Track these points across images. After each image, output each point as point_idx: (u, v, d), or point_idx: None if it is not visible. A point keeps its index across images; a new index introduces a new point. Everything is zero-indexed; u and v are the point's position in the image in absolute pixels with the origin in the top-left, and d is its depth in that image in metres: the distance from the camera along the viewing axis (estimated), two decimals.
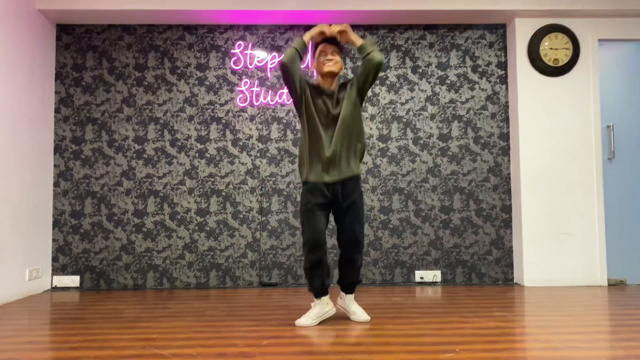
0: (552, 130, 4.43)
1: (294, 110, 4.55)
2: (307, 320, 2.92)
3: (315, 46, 3.05)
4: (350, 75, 4.57)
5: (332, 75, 2.99)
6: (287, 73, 2.91)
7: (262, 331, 2.78)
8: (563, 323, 2.95)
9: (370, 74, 2.94)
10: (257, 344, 2.50)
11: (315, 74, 3.13)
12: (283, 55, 2.96)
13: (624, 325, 2.86)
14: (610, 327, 2.86)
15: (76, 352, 2.38)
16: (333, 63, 2.97)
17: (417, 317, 3.13)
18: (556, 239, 4.37)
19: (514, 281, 4.51)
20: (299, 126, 4.55)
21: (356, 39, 2.98)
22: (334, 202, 2.95)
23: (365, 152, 4.39)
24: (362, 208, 3.00)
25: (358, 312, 3.02)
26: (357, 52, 3.00)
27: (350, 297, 3.08)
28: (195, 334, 2.74)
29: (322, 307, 2.96)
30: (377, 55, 2.90)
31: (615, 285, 4.35)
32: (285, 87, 3.21)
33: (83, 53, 4.54)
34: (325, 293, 2.98)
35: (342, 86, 3.04)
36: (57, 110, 4.51)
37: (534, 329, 2.82)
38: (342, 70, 3.05)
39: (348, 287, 3.07)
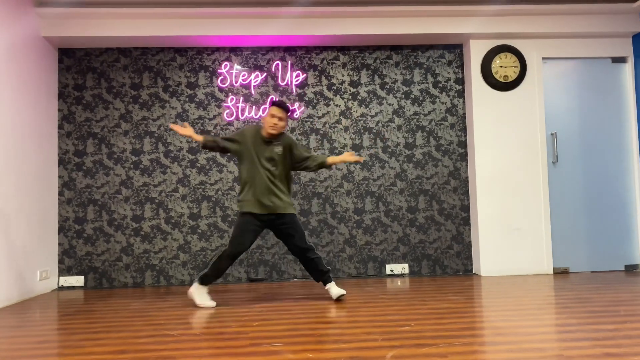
0: (503, 138, 5.05)
1: None
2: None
3: (272, 104, 3.82)
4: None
5: (272, 135, 3.80)
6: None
7: (251, 315, 3.31)
8: (504, 303, 3.53)
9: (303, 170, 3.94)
10: (248, 325, 3.03)
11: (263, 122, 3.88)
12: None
13: (550, 304, 3.46)
14: (543, 305, 3.45)
15: (100, 334, 2.89)
16: (277, 128, 3.77)
17: (384, 302, 3.69)
18: (508, 233, 4.98)
19: (473, 272, 5.11)
20: None
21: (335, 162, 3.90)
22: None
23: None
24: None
25: (334, 291, 3.78)
26: (315, 163, 3.87)
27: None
28: (196, 319, 3.26)
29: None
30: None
31: (559, 273, 4.98)
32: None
33: (83, 74, 5.02)
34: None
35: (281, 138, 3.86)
36: (60, 127, 4.97)
37: (479, 308, 3.40)
38: (283, 129, 3.85)
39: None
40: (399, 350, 2.39)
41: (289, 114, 3.90)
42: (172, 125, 3.82)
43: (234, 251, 3.69)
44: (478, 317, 3.14)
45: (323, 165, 3.88)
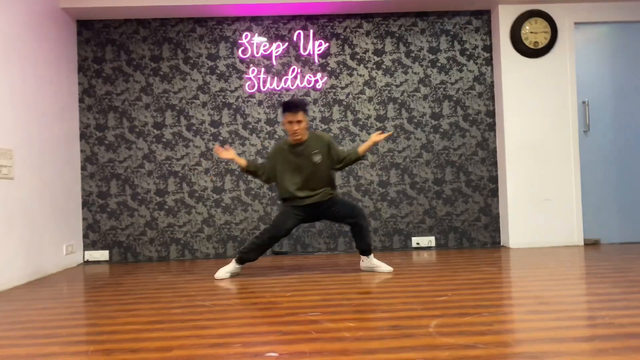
0: (533, 107, 4.89)
1: (299, 94, 4.98)
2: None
3: (282, 109, 3.68)
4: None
5: (299, 141, 3.67)
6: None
7: (284, 286, 3.27)
8: (540, 274, 3.45)
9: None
10: (281, 295, 2.98)
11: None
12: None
13: (588, 274, 3.37)
14: (582, 275, 3.36)
15: (132, 306, 2.86)
16: (299, 132, 3.61)
17: (414, 273, 3.62)
18: (537, 205, 4.86)
19: (501, 244, 5.02)
20: None
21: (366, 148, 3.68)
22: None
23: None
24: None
25: (382, 265, 3.71)
26: (350, 160, 3.69)
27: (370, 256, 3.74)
28: (225, 291, 3.22)
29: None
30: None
31: (590, 245, 4.87)
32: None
33: (102, 47, 4.93)
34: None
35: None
36: (81, 100, 4.91)
37: (515, 279, 3.32)
38: (306, 129, 3.70)
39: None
40: (442, 320, 2.33)
41: (305, 109, 3.65)
42: (215, 149, 3.76)
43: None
44: (515, 287, 3.06)
45: (358, 159, 3.70)
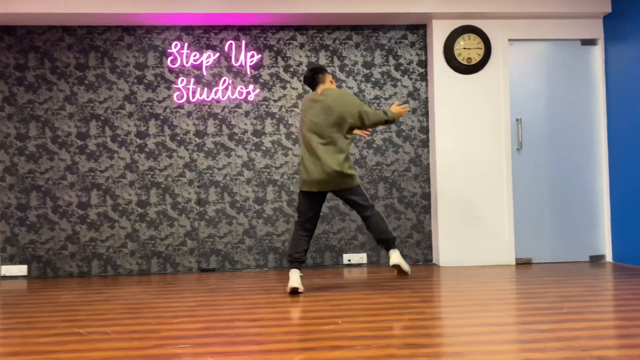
0: (466, 123, 4.83)
1: (230, 106, 4.86)
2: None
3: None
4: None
5: None
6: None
7: (178, 310, 3.13)
8: (449, 298, 3.36)
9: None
10: (167, 322, 2.85)
11: None
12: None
13: (499, 300, 3.29)
14: (487, 301, 3.27)
15: (5, 332, 2.70)
16: None
17: (326, 295, 3.50)
18: (469, 222, 4.79)
19: (433, 262, 4.94)
20: (233, 121, 4.86)
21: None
22: None
23: None
24: None
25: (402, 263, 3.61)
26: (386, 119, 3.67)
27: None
28: (117, 314, 3.07)
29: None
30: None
31: (522, 264, 4.81)
32: None
33: (25, 53, 4.76)
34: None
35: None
36: (1, 109, 4.73)
37: (422, 303, 3.22)
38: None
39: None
40: (309, 354, 2.21)
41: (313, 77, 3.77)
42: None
43: None
44: (415, 313, 2.96)
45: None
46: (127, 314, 3.08)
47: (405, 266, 3.58)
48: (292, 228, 3.61)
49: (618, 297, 3.28)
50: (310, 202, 3.66)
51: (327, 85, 3.73)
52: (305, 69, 4.66)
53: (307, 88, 4.88)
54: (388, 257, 3.67)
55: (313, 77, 3.74)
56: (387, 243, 3.63)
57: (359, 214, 3.72)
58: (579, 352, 2.14)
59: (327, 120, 3.55)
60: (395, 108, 3.73)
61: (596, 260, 4.87)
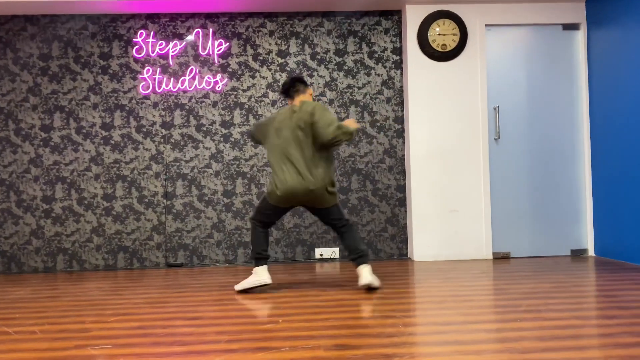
0: (441, 113, 4.65)
1: (197, 96, 4.72)
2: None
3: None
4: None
5: None
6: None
7: (123, 308, 3.00)
8: (406, 295, 3.20)
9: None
10: (103, 320, 2.72)
11: None
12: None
13: (458, 296, 3.12)
14: (445, 298, 3.10)
15: None
16: None
17: (284, 292, 3.36)
18: (444, 216, 4.63)
19: (408, 256, 4.78)
20: (201, 112, 4.72)
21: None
22: None
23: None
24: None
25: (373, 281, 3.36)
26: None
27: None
28: (57, 312, 2.95)
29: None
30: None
31: (500, 258, 4.63)
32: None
33: None
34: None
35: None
36: None
37: (374, 300, 3.06)
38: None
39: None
40: (228, 356, 2.07)
41: (289, 91, 3.54)
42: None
43: None
44: (359, 312, 2.81)
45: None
46: (67, 312, 2.96)
47: (376, 282, 3.38)
48: (249, 225, 3.42)
49: (585, 293, 3.11)
50: (280, 212, 3.48)
51: (307, 97, 3.52)
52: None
53: (277, 76, 4.73)
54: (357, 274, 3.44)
55: (293, 85, 3.49)
56: (360, 258, 3.40)
57: (334, 229, 3.51)
58: (517, 354, 1.99)
59: (305, 132, 3.35)
60: (349, 122, 3.40)
61: (578, 254, 4.69)
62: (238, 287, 3.41)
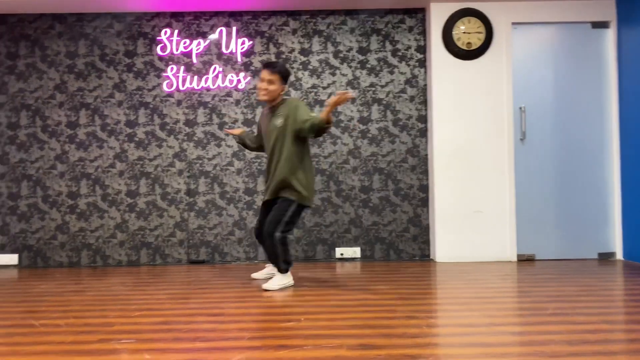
0: (466, 112, 4.59)
1: (220, 94, 4.74)
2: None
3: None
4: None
5: (269, 103, 3.52)
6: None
7: (147, 304, 3.02)
8: (429, 296, 3.16)
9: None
10: (127, 315, 2.74)
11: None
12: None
13: (483, 298, 3.07)
14: (470, 299, 3.05)
15: None
16: (266, 94, 3.45)
17: (303, 290, 3.35)
18: (468, 217, 4.56)
19: (430, 257, 4.72)
20: (224, 110, 4.74)
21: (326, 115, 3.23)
22: None
23: None
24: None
25: (269, 282, 3.47)
26: (309, 128, 3.29)
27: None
28: (82, 306, 2.98)
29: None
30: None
31: (524, 260, 4.55)
32: None
33: (16, 42, 4.73)
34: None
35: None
36: None
37: (396, 301, 3.03)
38: (278, 94, 3.49)
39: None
40: (250, 353, 2.06)
41: (283, 74, 3.47)
42: (225, 131, 3.84)
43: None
44: (383, 312, 2.78)
45: (322, 126, 3.22)
46: (91, 306, 2.99)
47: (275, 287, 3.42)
48: (277, 241, 3.40)
49: (614, 297, 3.03)
50: None
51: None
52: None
53: (299, 75, 4.71)
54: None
55: None
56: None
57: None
58: (545, 358, 1.94)
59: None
60: (334, 98, 3.13)
61: (605, 257, 4.58)
62: (271, 286, 3.42)
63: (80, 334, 2.40)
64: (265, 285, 3.41)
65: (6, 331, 2.47)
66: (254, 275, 3.85)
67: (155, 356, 2.06)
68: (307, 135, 3.36)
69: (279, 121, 3.42)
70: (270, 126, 3.49)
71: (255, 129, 3.61)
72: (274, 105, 3.53)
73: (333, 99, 3.15)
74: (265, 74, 3.44)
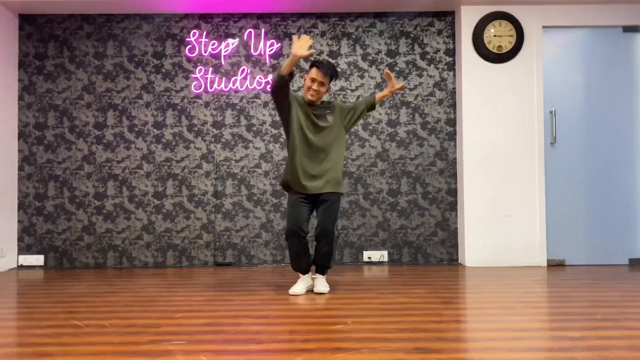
0: (496, 115, 4.56)
1: (248, 96, 4.72)
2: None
3: (312, 64, 3.33)
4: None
5: (312, 102, 3.37)
6: (275, 99, 3.34)
7: (185, 305, 2.99)
8: (470, 300, 3.12)
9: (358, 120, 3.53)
10: (169, 317, 2.71)
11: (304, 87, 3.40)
12: (272, 81, 3.28)
13: (526, 303, 3.03)
14: (513, 304, 3.02)
15: (2, 323, 2.61)
16: (316, 95, 3.32)
17: (338, 293, 3.32)
18: (498, 221, 4.52)
19: (459, 261, 4.68)
20: (252, 112, 4.72)
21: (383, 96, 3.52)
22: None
23: None
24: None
25: (318, 285, 3.42)
26: (370, 103, 3.53)
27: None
28: (121, 307, 2.96)
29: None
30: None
31: (554, 266, 4.50)
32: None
33: (45, 42, 4.73)
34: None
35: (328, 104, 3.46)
36: (20, 98, 4.71)
37: (438, 305, 2.99)
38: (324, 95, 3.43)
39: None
40: (309, 356, 2.03)
41: (333, 76, 3.34)
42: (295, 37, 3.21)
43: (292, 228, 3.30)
44: (432, 315, 2.74)
45: (373, 106, 3.54)
46: (131, 307, 2.96)
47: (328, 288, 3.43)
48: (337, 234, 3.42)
49: None
50: None
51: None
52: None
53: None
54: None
55: None
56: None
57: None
58: None
59: None
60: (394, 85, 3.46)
61: (636, 263, 4.53)
62: (326, 288, 3.40)
63: (128, 334, 2.37)
64: (321, 289, 3.34)
65: (53, 331, 2.44)
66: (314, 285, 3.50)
67: (212, 357, 2.02)
68: (367, 115, 3.73)
69: (330, 118, 3.37)
70: (320, 122, 3.33)
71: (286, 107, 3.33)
72: (313, 103, 3.38)
73: (396, 86, 3.44)
74: (317, 75, 3.27)
